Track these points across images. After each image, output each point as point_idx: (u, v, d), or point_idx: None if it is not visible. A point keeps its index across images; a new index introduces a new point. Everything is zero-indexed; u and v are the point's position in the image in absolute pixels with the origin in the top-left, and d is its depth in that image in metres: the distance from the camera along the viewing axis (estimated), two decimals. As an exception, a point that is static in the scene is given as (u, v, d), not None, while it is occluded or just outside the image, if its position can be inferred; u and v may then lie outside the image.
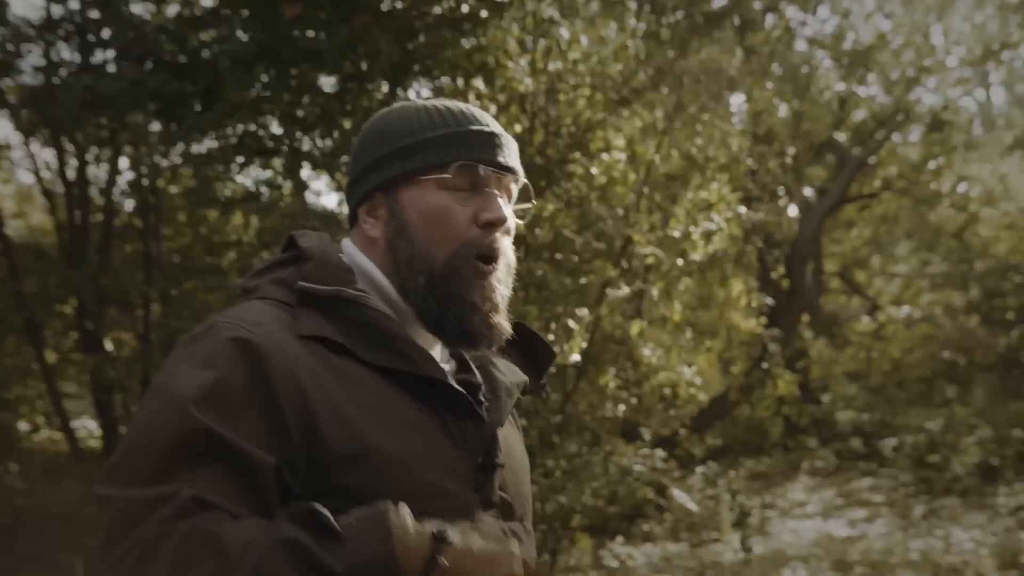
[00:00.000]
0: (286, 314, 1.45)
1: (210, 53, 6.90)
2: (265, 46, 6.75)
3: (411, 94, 6.90)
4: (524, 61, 7.00)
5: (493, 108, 6.89)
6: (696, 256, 7.17)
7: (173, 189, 9.37)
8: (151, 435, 1.27)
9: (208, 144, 7.40)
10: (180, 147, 7.90)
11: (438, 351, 1.57)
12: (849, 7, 15.25)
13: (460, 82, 6.72)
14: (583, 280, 6.79)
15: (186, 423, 1.26)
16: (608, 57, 7.17)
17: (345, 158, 7.48)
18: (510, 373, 1.62)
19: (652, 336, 7.88)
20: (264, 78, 6.76)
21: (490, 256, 1.50)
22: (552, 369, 1.80)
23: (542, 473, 6.48)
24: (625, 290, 7.06)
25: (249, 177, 8.63)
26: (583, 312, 6.40)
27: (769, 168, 9.72)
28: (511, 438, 1.61)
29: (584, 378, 7.14)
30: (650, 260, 7.29)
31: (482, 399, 1.53)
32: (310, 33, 6.69)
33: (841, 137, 13.39)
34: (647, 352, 7.65)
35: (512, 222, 1.55)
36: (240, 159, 7.38)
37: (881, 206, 16.42)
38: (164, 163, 8.49)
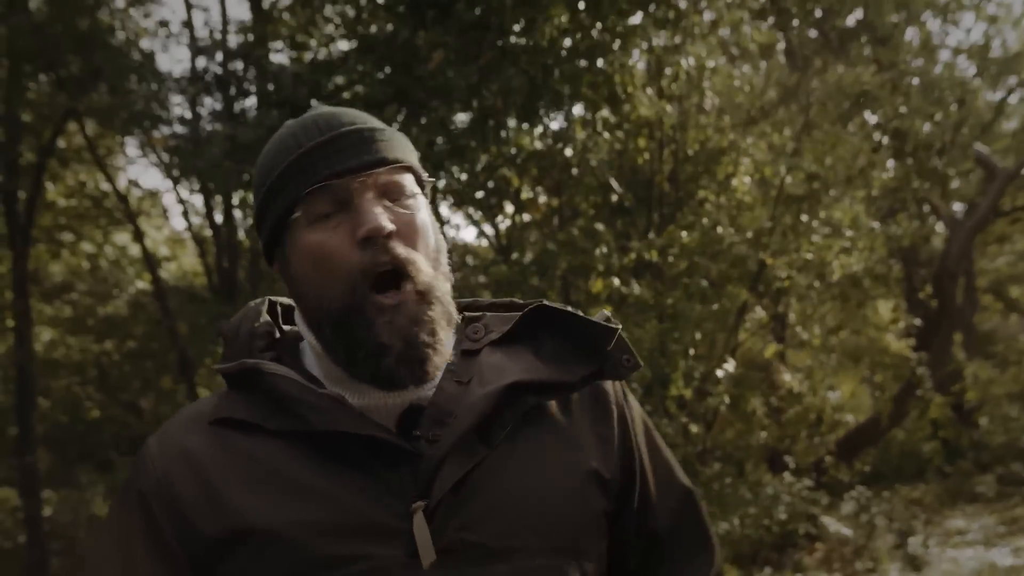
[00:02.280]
0: (216, 400, 1.40)
1: (344, 96, 7.14)
2: (398, 87, 6.97)
3: (539, 128, 7.02)
4: (651, 89, 7.06)
5: (620, 135, 6.97)
6: (834, 277, 7.05)
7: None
8: None
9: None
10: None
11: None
12: (996, 13, 14.75)
13: (588, 113, 6.82)
14: (715, 306, 6.74)
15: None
16: (736, 78, 7.17)
17: (480, 193, 7.70)
18: (510, 372, 1.36)
19: (794, 360, 7.77)
20: (399, 118, 6.96)
21: (386, 279, 1.29)
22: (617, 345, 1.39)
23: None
24: (762, 314, 6.98)
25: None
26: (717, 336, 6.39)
27: (911, 183, 9.48)
28: (509, 457, 1.33)
29: (729, 405, 7.06)
30: (786, 283, 7.21)
31: (419, 433, 1.31)
32: (441, 72, 6.87)
33: (990, 149, 12.95)
34: (787, 377, 7.56)
35: (405, 215, 1.31)
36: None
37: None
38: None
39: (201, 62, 8.73)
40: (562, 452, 1.36)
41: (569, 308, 1.44)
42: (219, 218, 10.06)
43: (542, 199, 7.50)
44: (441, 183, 7.43)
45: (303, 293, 1.36)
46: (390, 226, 1.28)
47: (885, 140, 9.55)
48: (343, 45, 8.07)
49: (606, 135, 7.03)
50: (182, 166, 8.73)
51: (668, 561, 1.48)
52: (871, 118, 10.89)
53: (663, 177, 7.07)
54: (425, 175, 1.41)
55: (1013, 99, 14.21)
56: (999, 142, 13.52)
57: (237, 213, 9.95)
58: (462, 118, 7.28)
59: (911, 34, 14.05)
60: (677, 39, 6.92)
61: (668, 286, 6.81)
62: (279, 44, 8.41)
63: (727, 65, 7.33)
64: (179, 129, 8.94)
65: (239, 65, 8.44)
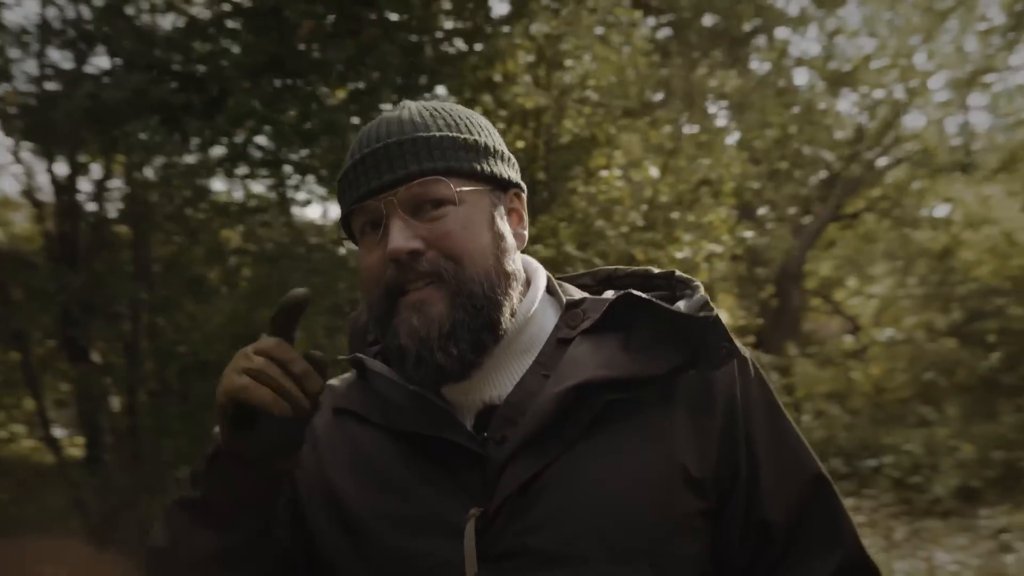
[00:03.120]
0: (342, 386, 1.53)
1: (216, 64, 6.94)
2: (272, 57, 6.82)
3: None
4: (528, 77, 7.13)
5: (501, 125, 7.02)
6: (702, 278, 7.26)
7: (164, 198, 9.38)
8: None
9: (211, 153, 7.45)
10: (175, 156, 7.94)
11: (490, 374, 1.40)
12: (837, 27, 15.50)
13: (468, 96, 6.84)
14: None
15: None
16: (615, 70, 7.29)
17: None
18: (584, 369, 1.34)
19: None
20: (270, 89, 6.83)
21: (404, 286, 1.35)
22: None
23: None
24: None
25: (242, 189, 8.70)
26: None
27: (762, 189, 9.87)
28: (583, 457, 1.32)
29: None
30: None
31: (488, 434, 1.35)
32: (317, 46, 6.78)
33: (830, 157, 13.65)
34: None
35: (433, 230, 1.35)
36: (241, 170, 7.45)
37: (863, 226, 16.67)
38: (157, 172, 8.50)
39: (52, 14, 8.29)
40: (646, 450, 1.34)
41: (689, 297, 1.41)
42: (60, 182, 9.58)
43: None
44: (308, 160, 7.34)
45: (364, 297, 1.46)
46: (410, 245, 1.33)
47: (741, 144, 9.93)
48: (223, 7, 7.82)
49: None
50: (27, 124, 8.29)
51: (789, 556, 1.40)
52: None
53: (538, 166, 7.16)
54: (485, 168, 1.42)
55: (851, 109, 14.96)
56: (839, 149, 14.24)
57: (81, 177, 9.51)
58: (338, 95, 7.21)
59: (762, 42, 14.65)
60: (559, 28, 7.02)
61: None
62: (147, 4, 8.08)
63: (608, 58, 7.44)
64: (24, 86, 8.48)
65: (95, 21, 8.07)
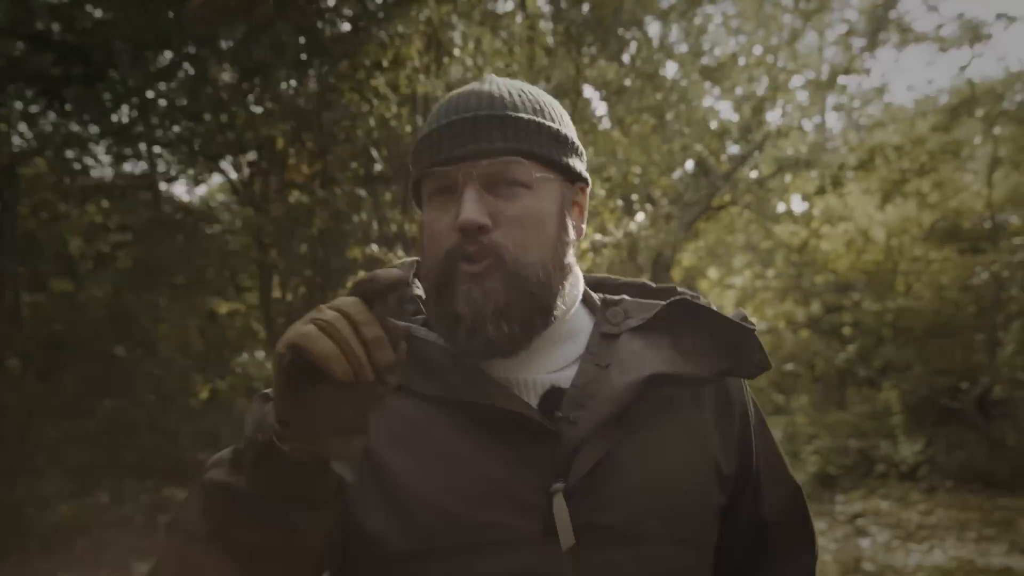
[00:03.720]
0: None
1: (100, 36, 6.78)
2: (160, 31, 6.72)
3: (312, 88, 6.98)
4: (418, 62, 7.19)
5: (395, 108, 7.07)
6: (586, 268, 7.48)
7: (32, 172, 9.12)
8: None
9: (89, 128, 7.28)
10: (46, 128, 7.73)
11: (540, 355, 1.43)
12: (703, 24, 15.95)
13: (361, 77, 6.87)
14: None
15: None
16: (503, 58, 7.42)
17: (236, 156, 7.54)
18: (650, 363, 1.41)
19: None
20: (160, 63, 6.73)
21: (470, 258, 1.35)
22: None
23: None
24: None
25: (117, 164, 8.52)
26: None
27: (642, 179, 10.14)
28: (640, 444, 1.39)
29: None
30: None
31: (561, 414, 1.37)
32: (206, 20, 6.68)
33: (702, 150, 14.07)
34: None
35: (504, 208, 1.37)
36: (120, 146, 7.31)
37: (727, 218, 17.23)
38: (29, 144, 8.27)
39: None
40: (689, 444, 1.43)
41: (711, 304, 1.50)
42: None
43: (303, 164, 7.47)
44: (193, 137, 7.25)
45: (420, 258, 1.46)
46: (482, 220, 1.34)
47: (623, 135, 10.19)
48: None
49: (375, 102, 7.11)
50: None
51: (773, 552, 1.57)
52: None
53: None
54: (562, 158, 1.43)
55: (721, 105, 15.44)
56: (710, 143, 14.68)
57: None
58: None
59: (634, 35, 14.97)
60: (452, 16, 7.10)
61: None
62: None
63: (500, 47, 7.57)
64: None
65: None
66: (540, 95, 1.46)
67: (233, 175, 7.46)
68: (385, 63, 6.92)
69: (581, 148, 1.50)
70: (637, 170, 9.03)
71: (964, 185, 16.40)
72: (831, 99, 17.30)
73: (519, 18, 8.70)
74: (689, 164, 14.68)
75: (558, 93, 8.23)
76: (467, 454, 1.34)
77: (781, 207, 17.86)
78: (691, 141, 12.72)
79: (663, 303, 1.48)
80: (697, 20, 15.69)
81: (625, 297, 1.53)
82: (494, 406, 1.34)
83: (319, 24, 6.95)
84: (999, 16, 19.31)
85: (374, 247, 6.77)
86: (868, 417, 15.48)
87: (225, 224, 7.75)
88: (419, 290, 1.54)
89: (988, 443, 14.47)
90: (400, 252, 6.84)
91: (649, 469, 1.38)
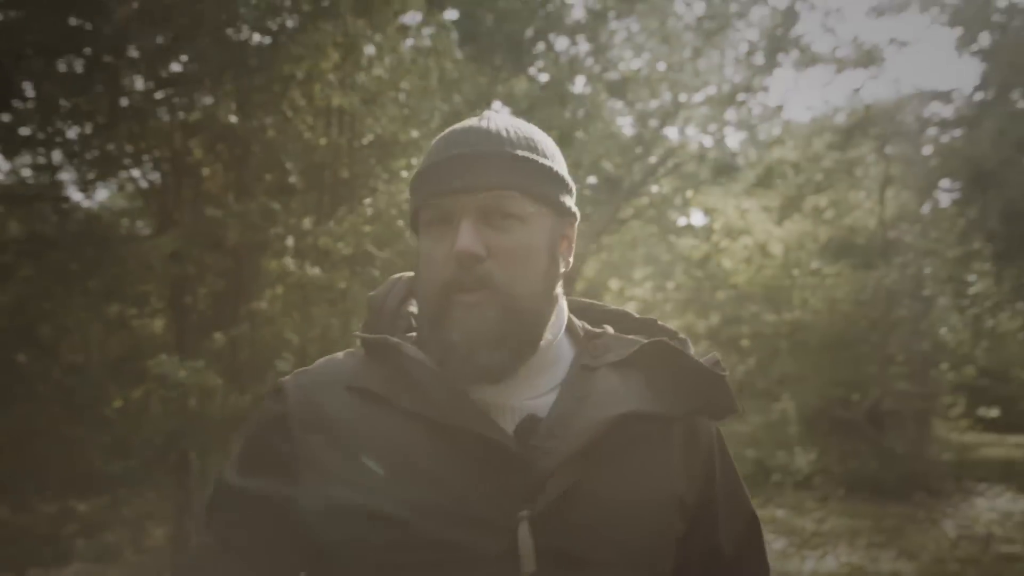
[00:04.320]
0: (353, 363, 1.57)
1: (8, 39, 6.75)
2: (78, 39, 6.73)
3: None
4: (333, 76, 7.31)
5: (310, 120, 7.20)
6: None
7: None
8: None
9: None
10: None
11: (521, 383, 1.53)
12: (607, 41, 16.30)
13: (277, 90, 6.98)
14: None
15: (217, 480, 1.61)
16: (419, 73, 7.58)
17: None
18: (625, 400, 1.51)
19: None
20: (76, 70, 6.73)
21: (465, 287, 1.45)
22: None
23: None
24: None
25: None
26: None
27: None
28: (607, 476, 1.48)
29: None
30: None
31: (532, 442, 1.46)
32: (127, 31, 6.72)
33: (609, 164, 14.36)
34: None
35: (499, 240, 1.47)
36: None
37: (629, 232, 17.59)
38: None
39: None
40: (653, 478, 1.52)
41: (685, 349, 1.60)
42: None
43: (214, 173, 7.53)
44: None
45: (416, 286, 1.55)
46: (477, 250, 1.43)
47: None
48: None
49: (290, 115, 7.23)
50: None
51: None
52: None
53: (342, 164, 7.37)
54: (553, 194, 1.53)
55: (627, 120, 15.80)
56: (616, 157, 14.99)
57: None
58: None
59: (542, 48, 15.27)
60: (367, 30, 7.23)
61: (337, 270, 7.08)
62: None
63: (415, 60, 7.72)
64: None
65: None
66: (534, 132, 1.57)
67: (145, 185, 7.49)
68: (300, 75, 7.05)
69: (571, 184, 1.59)
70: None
71: (858, 202, 17.07)
72: (731, 116, 17.83)
73: (427, 31, 8.89)
74: (593, 179, 15.03)
75: (468, 109, 8.44)
76: (441, 474, 1.41)
77: (682, 221, 18.38)
78: (597, 157, 13.02)
79: (643, 341, 1.57)
80: (603, 37, 16.05)
81: (608, 330, 1.64)
82: (472, 431, 1.42)
83: (237, 36, 7.04)
84: (891, 40, 20.14)
85: (288, 260, 6.88)
86: (765, 427, 15.98)
87: (136, 233, 7.77)
88: (413, 307, 1.62)
89: (878, 453, 15.06)
90: (312, 267, 6.95)
91: (613, 500, 1.46)
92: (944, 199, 16.70)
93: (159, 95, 7.25)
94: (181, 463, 7.52)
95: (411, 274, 1.68)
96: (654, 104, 16.43)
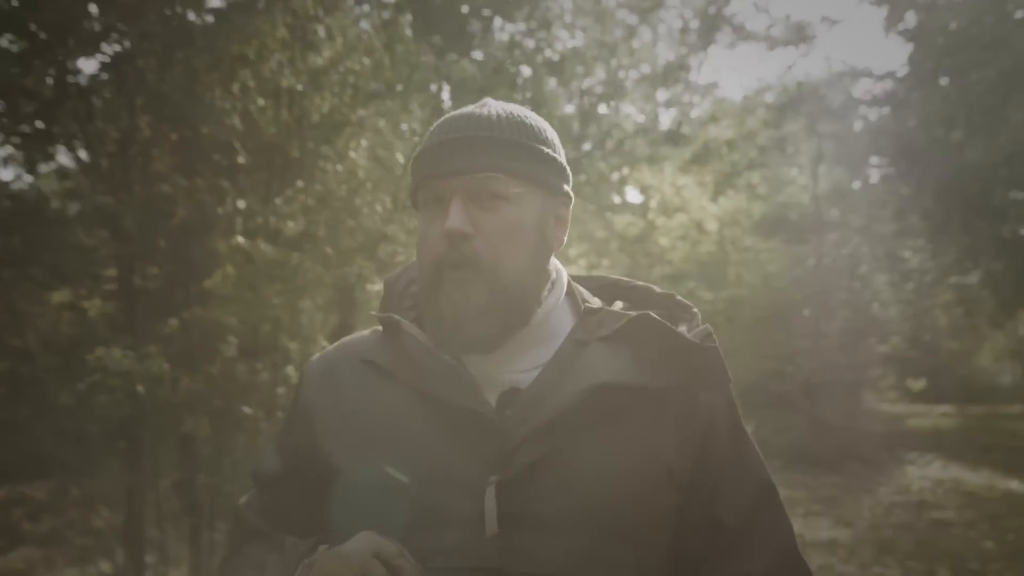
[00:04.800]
0: (372, 339, 1.74)
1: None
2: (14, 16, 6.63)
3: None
4: (282, 56, 7.29)
5: (261, 102, 7.16)
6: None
7: None
8: None
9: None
10: None
11: (512, 356, 1.63)
12: (548, 19, 16.31)
13: (226, 70, 6.93)
14: (344, 275, 7.14)
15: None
16: (367, 52, 7.57)
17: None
18: (603, 372, 1.58)
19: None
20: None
21: (454, 264, 1.57)
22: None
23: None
24: (379, 286, 7.47)
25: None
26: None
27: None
28: (586, 445, 1.56)
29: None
30: (401, 259, 7.77)
31: (509, 412, 1.57)
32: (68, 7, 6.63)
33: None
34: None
35: (487, 220, 1.59)
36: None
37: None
38: None
39: None
40: (638, 448, 1.58)
41: (691, 322, 1.69)
42: None
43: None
44: None
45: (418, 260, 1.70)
46: (465, 228, 1.56)
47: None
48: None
49: (238, 93, 7.18)
50: None
51: (732, 552, 1.66)
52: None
53: (293, 145, 7.35)
54: (541, 174, 1.65)
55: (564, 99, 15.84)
56: (564, 136, 15.00)
57: None
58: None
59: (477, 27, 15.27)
60: (318, 9, 7.21)
61: (292, 251, 7.07)
62: None
63: (363, 40, 7.70)
64: None
65: None
66: (528, 116, 1.69)
67: (90, 163, 7.39)
68: (251, 55, 7.02)
69: (566, 167, 1.71)
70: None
71: (791, 179, 17.39)
72: (664, 94, 17.99)
73: (367, 7, 8.88)
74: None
75: (419, 88, 8.46)
76: (425, 441, 1.56)
77: (618, 199, 18.49)
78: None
79: (631, 315, 1.65)
80: (538, 16, 16.05)
81: (603, 307, 1.72)
82: (452, 401, 1.56)
83: (185, 14, 6.98)
84: (823, 19, 20.50)
85: (239, 239, 6.85)
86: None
87: (80, 213, 7.67)
88: (416, 287, 1.76)
89: (813, 425, 15.44)
90: (264, 245, 6.93)
91: (587, 468, 1.54)
92: (875, 175, 17.06)
93: (104, 75, 7.17)
94: (133, 447, 7.48)
95: None
96: (589, 82, 16.51)
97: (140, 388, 6.34)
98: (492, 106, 1.68)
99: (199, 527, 7.45)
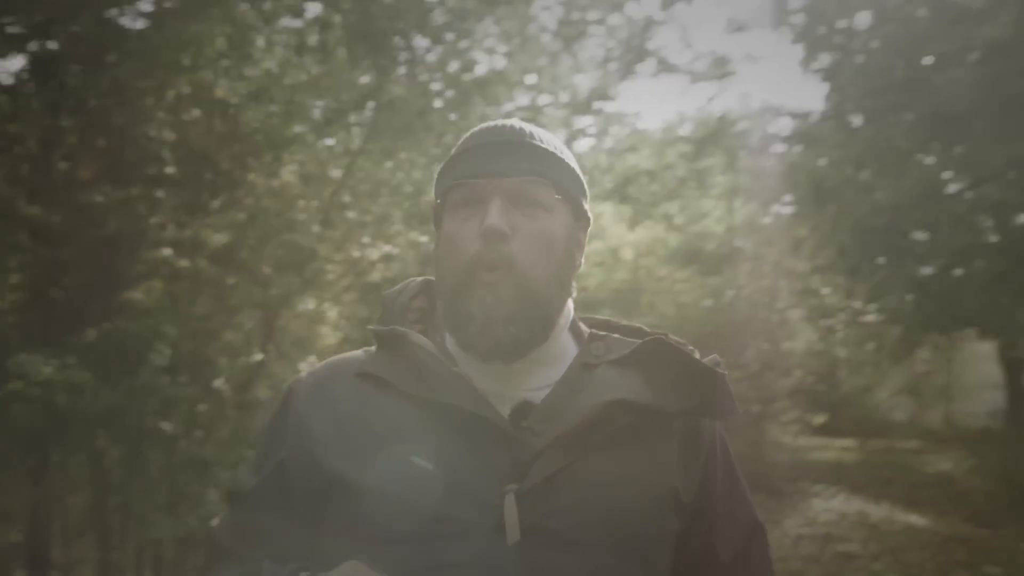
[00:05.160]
0: (364, 356, 1.68)
1: None
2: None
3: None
4: (219, 66, 7.15)
5: (195, 112, 7.00)
6: (375, 278, 7.64)
7: None
8: None
9: None
10: None
11: (522, 374, 1.62)
12: (470, 44, 16.29)
13: (161, 78, 6.76)
14: (273, 291, 7.02)
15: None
16: (304, 69, 7.49)
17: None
18: (619, 390, 1.56)
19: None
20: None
21: (489, 264, 1.54)
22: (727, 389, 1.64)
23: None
24: (310, 304, 7.38)
25: None
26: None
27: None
28: (599, 462, 1.55)
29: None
30: (330, 277, 7.67)
31: (524, 424, 1.55)
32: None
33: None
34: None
35: (523, 225, 1.58)
36: None
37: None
38: None
39: None
40: (647, 469, 1.58)
41: (689, 347, 1.67)
42: None
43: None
44: None
45: (437, 266, 1.65)
46: (504, 228, 1.54)
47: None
48: None
49: (171, 102, 7.01)
50: None
51: None
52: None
53: (224, 155, 7.20)
54: (575, 192, 1.67)
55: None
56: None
57: None
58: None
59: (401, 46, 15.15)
60: (255, 21, 7.09)
61: (220, 265, 6.94)
62: None
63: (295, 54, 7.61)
64: None
65: None
66: (557, 138, 1.71)
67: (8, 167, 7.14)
68: (186, 62, 6.86)
69: (587, 191, 1.74)
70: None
71: (707, 210, 17.61)
72: (586, 122, 18.08)
73: (301, 23, 8.77)
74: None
75: (353, 107, 8.37)
76: (436, 451, 1.50)
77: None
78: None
79: (645, 338, 1.67)
80: (463, 43, 16.04)
81: (611, 335, 1.72)
82: (466, 409, 1.51)
83: (117, 18, 6.79)
84: (746, 56, 20.91)
85: (167, 251, 6.69)
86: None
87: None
88: (422, 303, 1.76)
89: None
90: (193, 259, 6.77)
91: (602, 484, 1.52)
92: (788, 211, 17.37)
93: (26, 75, 6.93)
94: (41, 461, 7.20)
95: (424, 277, 1.81)
96: (510, 107, 16.53)
97: (62, 398, 6.11)
98: (523, 122, 1.69)
99: (107, 549, 7.20)
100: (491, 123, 1.67)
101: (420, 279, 1.80)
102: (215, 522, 1.73)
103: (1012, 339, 15.67)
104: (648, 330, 1.78)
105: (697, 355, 1.65)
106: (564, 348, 1.68)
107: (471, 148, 1.63)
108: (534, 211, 1.59)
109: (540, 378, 1.62)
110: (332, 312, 8.21)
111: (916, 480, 16.56)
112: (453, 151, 1.66)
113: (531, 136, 1.64)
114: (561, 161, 1.64)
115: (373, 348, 1.69)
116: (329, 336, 8.26)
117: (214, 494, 6.41)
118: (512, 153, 1.60)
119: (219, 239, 7.11)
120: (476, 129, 1.67)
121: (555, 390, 1.60)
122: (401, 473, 1.48)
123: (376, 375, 1.60)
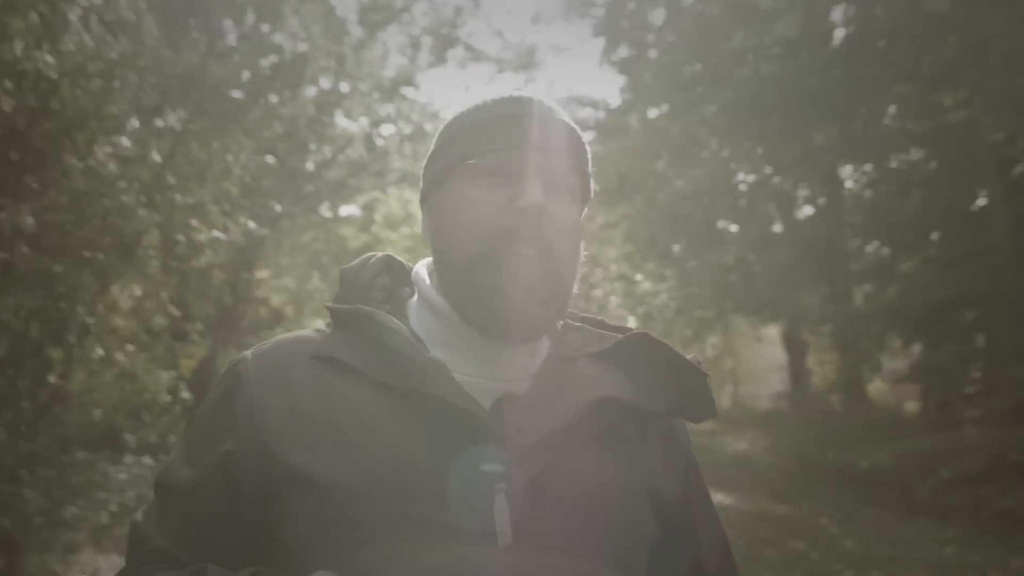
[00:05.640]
0: (320, 337, 1.51)
1: None
2: None
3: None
4: (29, 38, 6.68)
5: (7, 83, 6.51)
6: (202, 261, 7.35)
7: None
8: None
9: None
10: None
11: (503, 362, 1.49)
12: (275, 25, 15.92)
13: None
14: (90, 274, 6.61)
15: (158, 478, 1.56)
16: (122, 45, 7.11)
17: None
18: (604, 387, 1.48)
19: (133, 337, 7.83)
20: None
21: (530, 239, 1.40)
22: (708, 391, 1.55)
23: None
24: (138, 291, 7.02)
25: None
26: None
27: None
28: (583, 461, 1.45)
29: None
30: (154, 263, 7.33)
31: (511, 420, 1.42)
32: None
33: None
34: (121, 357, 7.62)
35: (555, 208, 1.44)
36: None
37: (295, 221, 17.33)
38: None
39: None
40: (629, 472, 1.49)
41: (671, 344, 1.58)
42: None
43: None
44: None
45: (442, 232, 1.49)
46: (548, 209, 1.41)
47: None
48: None
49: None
50: None
51: None
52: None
53: (37, 133, 6.74)
54: (588, 188, 1.57)
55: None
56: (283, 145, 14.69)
57: None
58: None
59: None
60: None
61: (49, 254, 6.51)
62: None
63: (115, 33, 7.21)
64: None
65: None
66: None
67: None
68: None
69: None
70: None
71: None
72: (390, 108, 17.95)
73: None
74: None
75: (179, 86, 8.02)
76: (412, 445, 1.36)
77: (344, 210, 18.30)
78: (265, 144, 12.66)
79: (622, 335, 1.57)
80: (266, 26, 15.64)
81: (585, 326, 1.62)
82: (446, 400, 1.36)
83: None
84: (553, 47, 21.24)
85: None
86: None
87: None
88: (385, 279, 1.59)
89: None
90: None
91: (587, 487, 1.42)
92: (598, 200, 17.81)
93: None
94: None
95: (384, 253, 1.66)
96: (312, 91, 16.24)
97: None
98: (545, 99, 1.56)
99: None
100: (516, 94, 1.52)
101: (381, 254, 1.65)
102: (138, 516, 1.53)
103: (797, 324, 16.59)
104: (609, 323, 1.68)
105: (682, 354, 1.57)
106: (541, 340, 1.56)
107: (496, 117, 1.48)
108: (562, 196, 1.47)
109: (518, 368, 1.49)
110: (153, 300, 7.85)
111: (716, 461, 17.17)
112: (474, 114, 1.51)
113: (562, 117, 1.51)
114: (584, 148, 1.54)
115: (326, 328, 1.54)
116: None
117: None
118: (557, 132, 1.49)
119: (30, 223, 6.64)
120: (501, 97, 1.52)
121: (537, 383, 1.48)
122: (374, 469, 1.34)
123: (338, 359, 1.44)
